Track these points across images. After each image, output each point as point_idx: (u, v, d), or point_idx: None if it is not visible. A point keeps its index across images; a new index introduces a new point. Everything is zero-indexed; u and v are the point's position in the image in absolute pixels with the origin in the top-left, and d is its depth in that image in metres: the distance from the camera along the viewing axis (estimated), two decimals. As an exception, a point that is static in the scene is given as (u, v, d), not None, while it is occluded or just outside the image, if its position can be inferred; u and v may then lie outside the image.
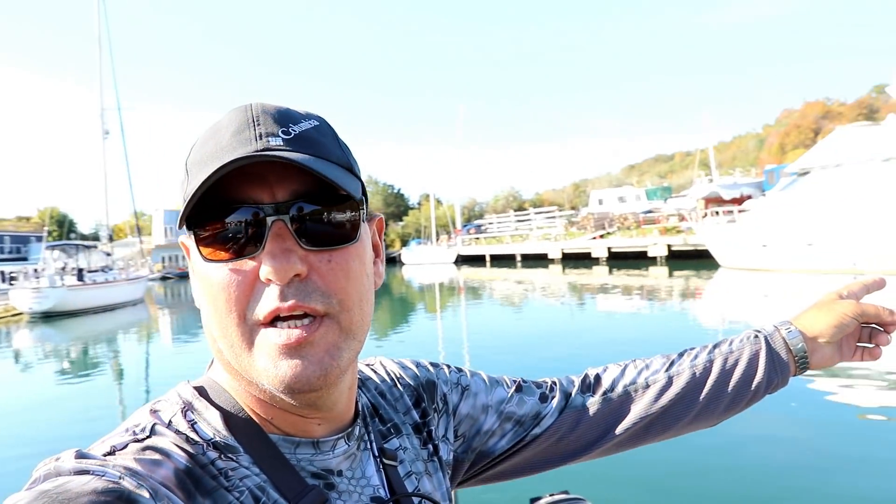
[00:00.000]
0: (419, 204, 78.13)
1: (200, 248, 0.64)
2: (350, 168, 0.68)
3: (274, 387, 0.62)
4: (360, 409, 0.78)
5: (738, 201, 33.35)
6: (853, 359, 0.99)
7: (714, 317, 14.73)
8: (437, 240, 57.83)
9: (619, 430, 0.96)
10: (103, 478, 0.52)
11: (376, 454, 0.77)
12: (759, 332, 1.00)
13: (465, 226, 57.55)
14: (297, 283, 0.62)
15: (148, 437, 0.62)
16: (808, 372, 0.97)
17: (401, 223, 74.37)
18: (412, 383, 0.90)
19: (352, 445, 0.73)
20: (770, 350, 0.97)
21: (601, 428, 0.96)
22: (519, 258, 44.01)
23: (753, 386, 0.96)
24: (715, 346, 1.00)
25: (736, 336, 1.01)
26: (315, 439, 0.69)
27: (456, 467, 0.93)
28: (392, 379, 0.89)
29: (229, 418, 0.67)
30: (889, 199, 20.77)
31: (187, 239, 0.67)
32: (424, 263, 51.19)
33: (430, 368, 0.94)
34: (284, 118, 0.65)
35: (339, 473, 0.70)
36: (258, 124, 0.63)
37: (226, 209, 0.62)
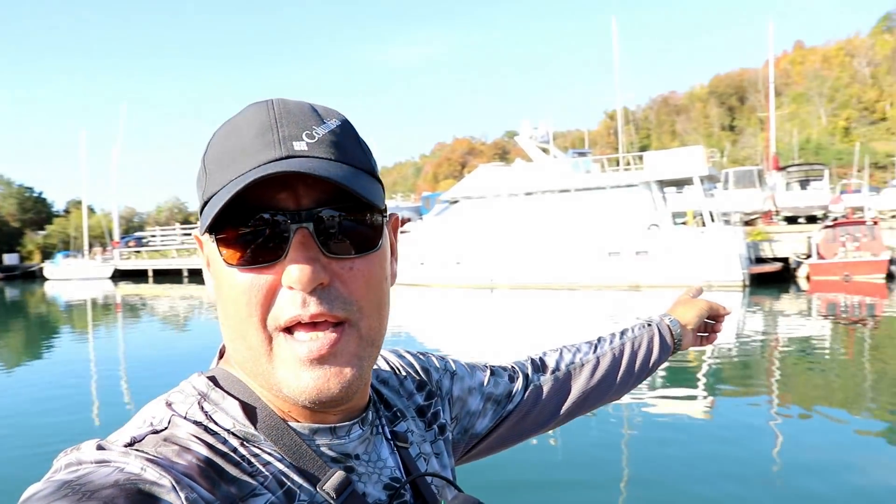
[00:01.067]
0: (66, 211, 68.53)
1: (222, 251, 0.63)
2: (372, 171, 0.68)
3: (295, 397, 0.63)
4: (371, 395, 0.79)
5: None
6: (699, 344, 1.30)
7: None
8: (91, 252, 51.49)
9: (567, 403, 1.10)
10: (125, 469, 0.53)
11: (389, 437, 0.78)
12: (650, 321, 1.22)
13: (123, 238, 52.25)
14: (319, 291, 0.61)
15: (166, 428, 0.61)
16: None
17: (42, 233, 64.25)
18: (411, 370, 0.93)
19: (366, 430, 0.73)
20: (661, 335, 1.20)
21: (555, 402, 1.09)
22: (186, 273, 41.80)
23: (651, 363, 1.19)
24: (623, 333, 1.20)
25: (635, 324, 1.22)
26: (332, 425, 0.69)
27: (454, 449, 0.97)
28: (391, 367, 0.91)
29: (247, 408, 0.66)
30: (517, 228, 25.12)
31: (208, 241, 0.66)
32: (73, 279, 45.23)
33: (421, 357, 0.98)
34: (307, 119, 0.65)
35: (357, 457, 0.71)
36: (281, 126, 0.63)
37: (248, 214, 0.61)
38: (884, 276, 20.97)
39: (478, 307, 20.53)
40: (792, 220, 29.55)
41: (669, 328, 1.21)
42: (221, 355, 0.75)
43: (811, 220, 28.21)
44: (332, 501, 0.64)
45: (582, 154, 28.94)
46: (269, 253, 0.61)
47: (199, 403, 0.66)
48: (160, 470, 0.54)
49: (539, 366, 1.11)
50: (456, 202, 27.64)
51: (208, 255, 0.68)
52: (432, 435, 0.87)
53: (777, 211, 30.23)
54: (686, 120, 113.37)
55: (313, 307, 0.61)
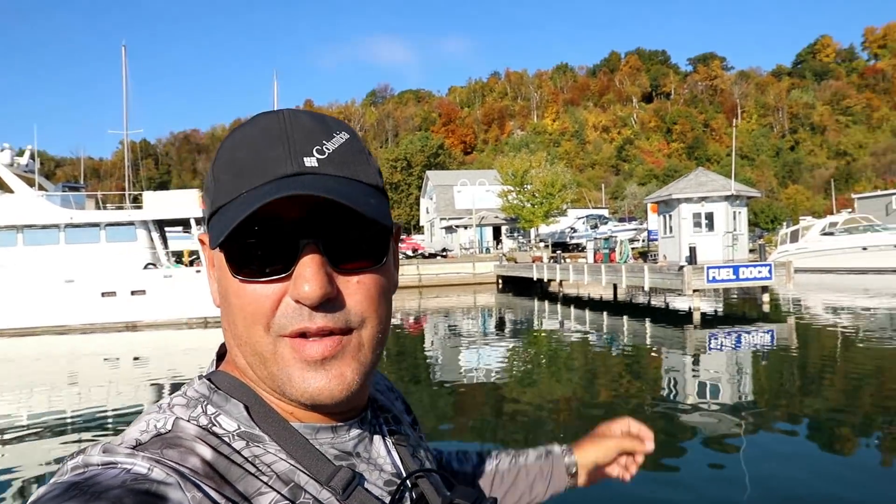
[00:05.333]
0: None
1: (229, 262, 0.64)
2: (378, 186, 0.70)
3: (298, 398, 0.64)
4: (370, 397, 0.81)
5: None
6: (608, 477, 1.19)
7: None
8: None
9: None
10: (132, 469, 0.54)
11: (386, 436, 0.80)
12: (549, 451, 1.15)
13: None
14: (326, 303, 0.63)
15: (170, 431, 0.62)
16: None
17: None
18: (399, 395, 0.97)
19: (365, 429, 0.76)
20: (556, 471, 1.12)
21: None
22: None
23: (544, 495, 1.12)
24: (517, 456, 1.14)
25: (533, 452, 1.15)
26: (333, 424, 0.71)
27: None
28: (385, 386, 0.95)
29: (251, 409, 0.68)
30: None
31: (217, 253, 0.67)
32: None
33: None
34: (317, 133, 0.66)
35: (357, 455, 0.73)
36: (291, 139, 0.64)
37: (257, 227, 0.62)
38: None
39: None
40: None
41: (566, 467, 1.13)
42: (220, 358, 0.76)
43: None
44: (338, 498, 0.65)
45: (74, 188, 27.04)
46: (277, 266, 0.63)
47: (202, 406, 0.67)
48: (167, 470, 0.55)
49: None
50: None
51: (215, 262, 0.70)
52: (425, 448, 0.90)
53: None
54: (207, 159, 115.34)
55: (320, 320, 0.63)
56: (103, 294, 22.08)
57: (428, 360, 14.77)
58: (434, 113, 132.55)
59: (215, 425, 0.65)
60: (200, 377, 0.72)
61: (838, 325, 16.53)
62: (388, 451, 0.78)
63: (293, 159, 0.63)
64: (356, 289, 0.65)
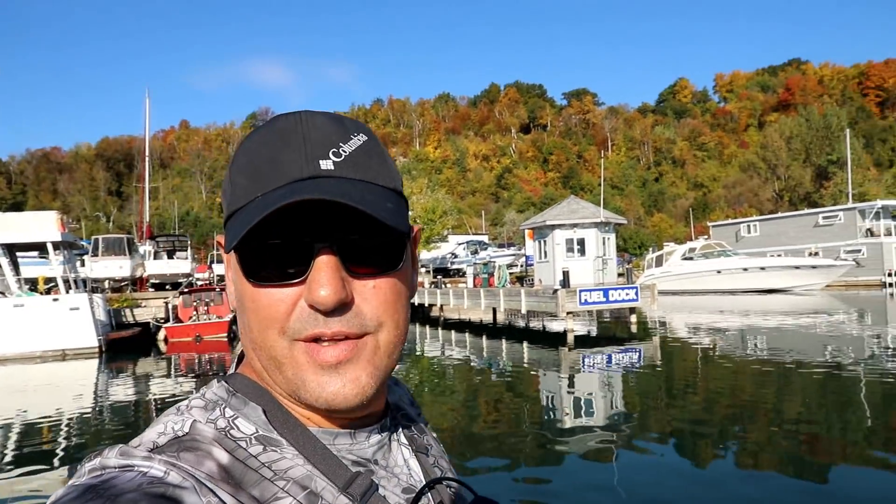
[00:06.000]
0: None
1: (245, 266, 0.64)
2: (396, 189, 0.69)
3: (313, 402, 0.64)
4: (388, 403, 0.79)
5: None
6: None
7: None
8: None
9: None
10: (149, 473, 0.53)
11: (406, 444, 0.78)
12: None
13: None
14: (341, 308, 0.62)
15: (187, 433, 0.61)
16: None
17: None
18: (420, 411, 0.93)
19: (384, 436, 0.74)
20: None
21: None
22: None
23: None
24: None
25: None
26: (351, 430, 0.70)
27: None
28: (408, 400, 0.91)
29: (269, 413, 0.67)
30: None
31: (232, 254, 0.66)
32: None
33: None
34: (334, 134, 0.65)
35: (375, 462, 0.71)
36: (308, 142, 0.63)
37: (272, 231, 0.61)
38: (226, 334, 24.33)
39: None
40: (160, 286, 31.49)
41: None
42: (240, 361, 0.75)
43: (176, 286, 30.56)
44: None
45: None
46: (293, 271, 0.62)
47: (220, 409, 0.66)
48: (183, 473, 0.55)
49: None
50: None
51: (232, 265, 0.69)
52: (448, 459, 0.88)
53: (147, 278, 31.74)
54: (70, 179, 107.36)
55: (335, 325, 0.62)
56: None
57: None
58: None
59: (233, 428, 0.64)
60: (219, 380, 0.71)
61: (698, 343, 17.79)
62: (407, 460, 0.76)
63: (308, 162, 0.62)
64: (372, 294, 0.64)
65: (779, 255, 41.53)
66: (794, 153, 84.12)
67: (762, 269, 37.93)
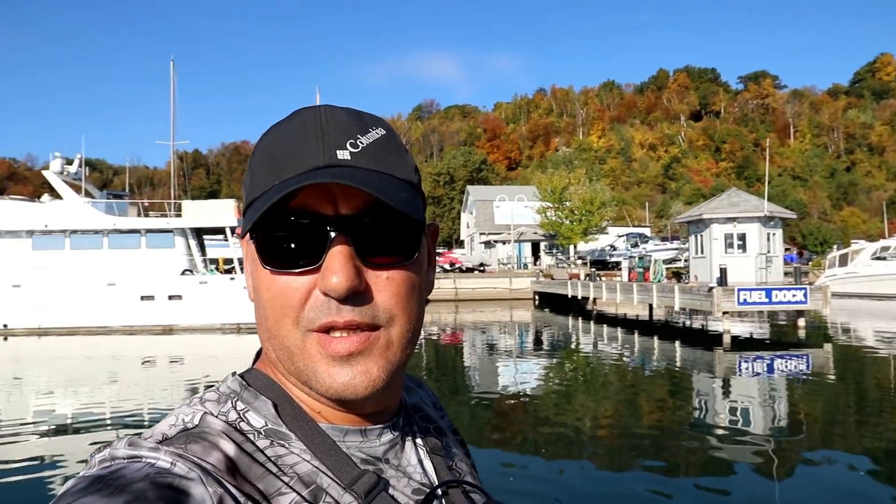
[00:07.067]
0: None
1: (261, 254, 0.64)
2: (413, 182, 0.69)
3: (324, 392, 0.64)
4: (403, 401, 0.80)
5: None
6: None
7: None
8: None
9: None
10: (156, 464, 0.55)
11: (421, 444, 0.78)
12: None
13: None
14: (354, 298, 0.62)
15: (197, 425, 0.63)
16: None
17: None
18: (444, 412, 0.94)
19: (396, 435, 0.74)
20: None
21: None
22: None
23: None
24: None
25: None
26: (362, 427, 0.70)
27: None
28: (431, 401, 0.93)
29: (279, 408, 0.67)
30: (40, 269, 23.20)
31: (249, 243, 0.68)
32: None
33: None
34: (352, 127, 0.66)
35: (386, 461, 0.71)
36: (326, 134, 0.64)
37: (288, 219, 0.62)
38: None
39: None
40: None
41: None
42: (258, 358, 0.76)
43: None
44: (360, 502, 0.64)
45: (118, 196, 28.22)
46: (307, 258, 0.63)
47: (231, 402, 0.67)
48: (189, 465, 0.56)
49: None
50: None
51: (249, 255, 0.70)
52: (471, 463, 0.88)
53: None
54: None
55: (347, 314, 0.62)
56: (142, 298, 22.88)
57: (465, 374, 14.93)
58: (479, 128, 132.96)
59: (243, 421, 0.65)
60: (234, 374, 0.72)
61: (883, 354, 15.91)
62: (421, 460, 0.76)
63: (325, 152, 0.63)
64: (385, 284, 0.65)
65: None
66: None
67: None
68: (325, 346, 0.63)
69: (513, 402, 11.14)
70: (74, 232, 23.60)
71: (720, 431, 8.65)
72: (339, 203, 0.63)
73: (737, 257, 23.12)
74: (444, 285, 39.13)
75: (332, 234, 0.62)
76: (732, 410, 10.08)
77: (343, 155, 0.63)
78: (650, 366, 14.94)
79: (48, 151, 25.43)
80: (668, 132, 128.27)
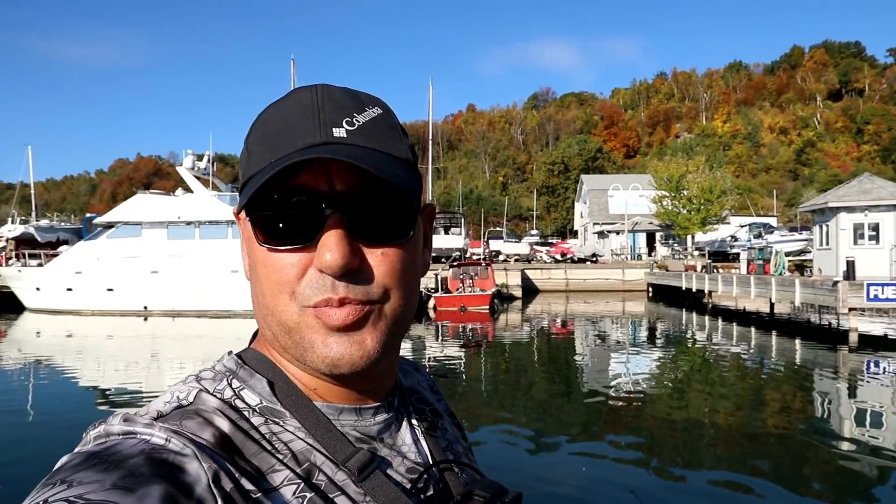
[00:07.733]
0: None
1: (257, 231, 0.64)
2: (408, 161, 0.69)
3: (319, 366, 0.64)
4: (399, 383, 0.80)
5: (54, 245, 33.48)
6: None
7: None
8: None
9: None
10: (150, 440, 0.55)
11: (415, 425, 0.78)
12: None
13: None
14: (349, 275, 0.62)
15: (191, 403, 0.63)
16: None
17: None
18: (441, 397, 0.94)
19: (391, 415, 0.74)
20: None
21: None
22: None
23: None
24: None
25: None
26: (357, 406, 0.70)
27: None
28: (428, 385, 0.93)
29: (275, 386, 0.68)
30: (171, 254, 25.55)
31: (245, 220, 0.68)
32: None
33: None
34: (349, 106, 0.66)
35: (381, 440, 0.72)
36: (322, 112, 0.64)
37: (284, 196, 0.62)
38: (488, 307, 25.82)
39: (133, 334, 20.36)
40: (435, 259, 34.54)
41: None
42: (254, 338, 0.76)
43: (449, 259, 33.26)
44: (353, 480, 0.64)
45: (242, 188, 30.16)
46: (303, 235, 0.63)
47: (227, 380, 0.67)
48: (184, 440, 0.56)
49: None
50: (111, 227, 26.72)
51: (245, 233, 0.70)
52: (466, 445, 0.89)
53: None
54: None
55: (342, 290, 0.62)
56: (265, 284, 24.51)
57: (575, 367, 14.98)
58: (596, 116, 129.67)
59: (238, 399, 0.66)
60: (230, 353, 0.73)
61: None
62: (416, 440, 0.77)
63: (321, 129, 0.63)
64: (380, 261, 0.65)
65: None
66: None
67: None
68: (320, 318, 0.63)
69: (623, 397, 11.05)
70: (202, 223, 25.73)
71: (844, 445, 8.12)
72: (335, 180, 0.63)
73: (868, 249, 21.27)
74: (554, 276, 39.01)
75: (328, 212, 0.62)
76: (858, 418, 9.42)
77: (339, 132, 0.64)
78: (765, 363, 14.26)
79: (183, 149, 27.97)
80: (801, 114, 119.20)
